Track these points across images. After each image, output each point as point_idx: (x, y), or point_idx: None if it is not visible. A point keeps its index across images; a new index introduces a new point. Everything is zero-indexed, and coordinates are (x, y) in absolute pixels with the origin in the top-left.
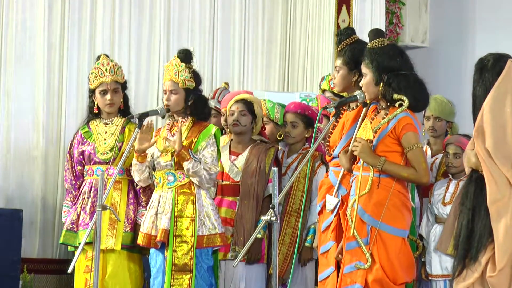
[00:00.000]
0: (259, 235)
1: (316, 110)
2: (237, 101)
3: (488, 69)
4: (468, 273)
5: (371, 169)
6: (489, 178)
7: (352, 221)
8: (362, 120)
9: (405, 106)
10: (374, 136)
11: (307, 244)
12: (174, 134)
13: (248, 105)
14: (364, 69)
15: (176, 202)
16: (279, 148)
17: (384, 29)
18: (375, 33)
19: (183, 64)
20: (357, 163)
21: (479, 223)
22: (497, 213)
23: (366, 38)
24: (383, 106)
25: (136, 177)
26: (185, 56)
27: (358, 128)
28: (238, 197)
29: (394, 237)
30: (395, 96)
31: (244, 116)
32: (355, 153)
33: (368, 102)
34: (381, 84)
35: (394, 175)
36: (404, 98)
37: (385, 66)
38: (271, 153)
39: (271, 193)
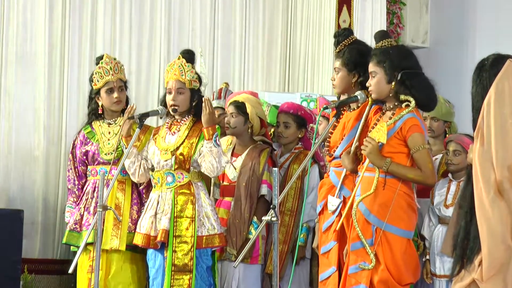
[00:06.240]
0: (249, 235)
1: (310, 111)
2: (230, 103)
3: (486, 69)
4: (465, 274)
5: (377, 170)
6: (477, 183)
7: (357, 221)
8: (365, 120)
9: (412, 107)
10: None
11: (299, 243)
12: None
13: (239, 107)
14: (373, 68)
15: (175, 202)
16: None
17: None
18: (382, 35)
19: (189, 64)
20: (362, 163)
21: (474, 224)
22: (480, 221)
23: (367, 39)
24: (391, 106)
25: (131, 171)
26: (190, 56)
27: (361, 129)
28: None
29: (399, 238)
30: (402, 97)
31: (233, 118)
32: (363, 152)
33: (379, 99)
34: (394, 82)
35: (400, 177)
36: (411, 99)
37: (398, 64)
38: (265, 154)
39: (263, 194)
